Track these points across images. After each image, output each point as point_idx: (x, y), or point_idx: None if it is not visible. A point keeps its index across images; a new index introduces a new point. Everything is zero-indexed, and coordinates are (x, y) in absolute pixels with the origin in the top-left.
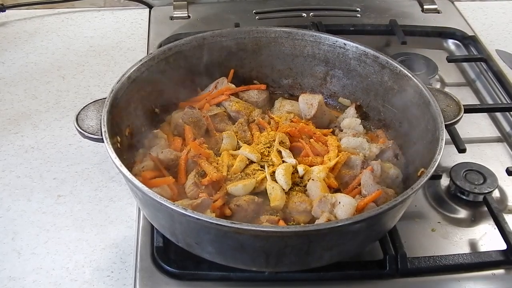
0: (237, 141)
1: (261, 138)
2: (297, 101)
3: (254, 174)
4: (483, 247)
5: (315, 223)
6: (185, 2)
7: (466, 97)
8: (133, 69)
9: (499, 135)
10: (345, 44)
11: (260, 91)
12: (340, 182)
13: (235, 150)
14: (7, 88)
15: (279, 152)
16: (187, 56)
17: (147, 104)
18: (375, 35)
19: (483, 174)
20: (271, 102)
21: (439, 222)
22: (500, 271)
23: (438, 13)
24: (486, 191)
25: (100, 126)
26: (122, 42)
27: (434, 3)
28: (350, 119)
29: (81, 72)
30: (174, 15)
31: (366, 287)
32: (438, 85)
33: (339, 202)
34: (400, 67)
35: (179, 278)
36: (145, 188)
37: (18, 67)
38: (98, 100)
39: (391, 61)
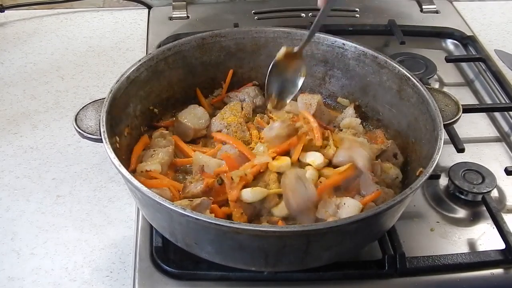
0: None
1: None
2: (296, 101)
3: (269, 182)
4: (482, 246)
5: None
6: (184, 3)
7: (465, 97)
8: (132, 69)
9: (498, 135)
10: (344, 44)
11: (259, 90)
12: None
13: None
14: (6, 89)
15: None
16: (186, 57)
17: (146, 104)
18: (374, 35)
19: (481, 174)
20: None
21: (438, 222)
22: (499, 270)
23: (437, 13)
24: (485, 191)
25: (99, 126)
26: (121, 42)
27: (432, 3)
28: (349, 119)
29: (80, 73)
30: (173, 16)
31: (365, 287)
32: (436, 85)
33: (344, 204)
34: (399, 67)
35: (178, 278)
36: (144, 188)
37: (17, 67)
38: (97, 100)
39: (389, 61)
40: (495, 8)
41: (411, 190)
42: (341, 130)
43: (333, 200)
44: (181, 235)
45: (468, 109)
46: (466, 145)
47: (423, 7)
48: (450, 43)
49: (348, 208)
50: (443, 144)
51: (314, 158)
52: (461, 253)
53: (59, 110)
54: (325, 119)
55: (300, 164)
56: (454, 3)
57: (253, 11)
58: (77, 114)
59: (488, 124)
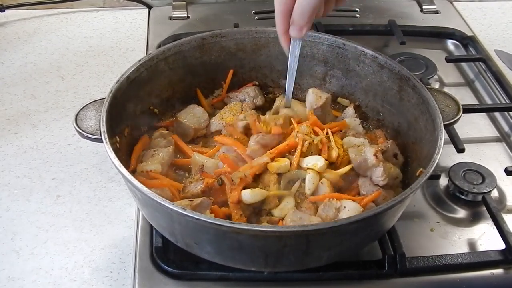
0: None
1: None
2: (297, 100)
3: (269, 183)
4: (482, 246)
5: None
6: (184, 3)
7: (465, 97)
8: (132, 69)
9: (498, 135)
10: (344, 44)
11: (259, 90)
12: (344, 181)
13: None
14: (6, 88)
15: None
16: (186, 57)
17: (146, 104)
18: (374, 35)
19: (482, 174)
20: (271, 102)
21: (438, 222)
22: (499, 270)
23: (437, 13)
24: (485, 191)
25: (99, 126)
26: (121, 42)
27: (433, 4)
28: (349, 119)
29: (80, 72)
30: (173, 15)
31: (365, 287)
32: (437, 85)
33: (344, 207)
34: (399, 67)
35: (178, 278)
36: (144, 188)
37: (17, 67)
38: (97, 100)
39: (390, 61)
40: (495, 8)
41: (411, 190)
42: (341, 131)
43: (333, 203)
44: (181, 235)
45: (468, 109)
46: (466, 145)
47: (423, 7)
48: (450, 43)
49: (349, 211)
50: (443, 144)
51: (315, 161)
52: (461, 253)
53: (59, 110)
54: (328, 119)
55: (300, 168)
56: (454, 3)
57: (253, 11)
58: (77, 114)
59: (488, 124)
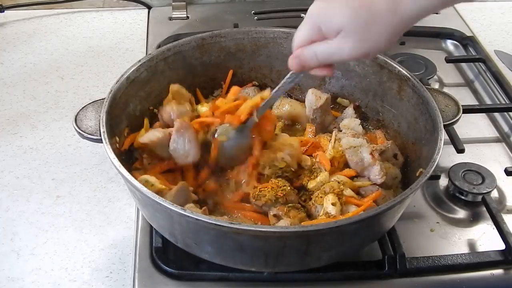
0: None
1: None
2: (296, 101)
3: None
4: (482, 247)
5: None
6: (184, 3)
7: (465, 98)
8: (132, 70)
9: (498, 135)
10: None
11: (258, 91)
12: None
13: None
14: (6, 89)
15: None
16: (186, 57)
17: (146, 105)
18: None
19: (481, 174)
20: None
21: (438, 222)
22: (499, 271)
23: (437, 13)
24: (485, 191)
25: (99, 127)
26: (121, 42)
27: None
28: (349, 119)
29: (80, 73)
30: (173, 16)
31: (365, 287)
32: (436, 86)
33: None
34: (399, 68)
35: (178, 278)
36: (144, 189)
37: (17, 67)
38: (97, 100)
39: (389, 61)
40: (495, 8)
41: (411, 191)
42: (341, 131)
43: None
44: (180, 236)
45: (468, 110)
46: (466, 146)
47: None
48: (450, 44)
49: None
50: (443, 144)
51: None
52: (461, 254)
53: (59, 110)
54: (328, 120)
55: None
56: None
57: (253, 11)
58: (77, 115)
59: (488, 124)
